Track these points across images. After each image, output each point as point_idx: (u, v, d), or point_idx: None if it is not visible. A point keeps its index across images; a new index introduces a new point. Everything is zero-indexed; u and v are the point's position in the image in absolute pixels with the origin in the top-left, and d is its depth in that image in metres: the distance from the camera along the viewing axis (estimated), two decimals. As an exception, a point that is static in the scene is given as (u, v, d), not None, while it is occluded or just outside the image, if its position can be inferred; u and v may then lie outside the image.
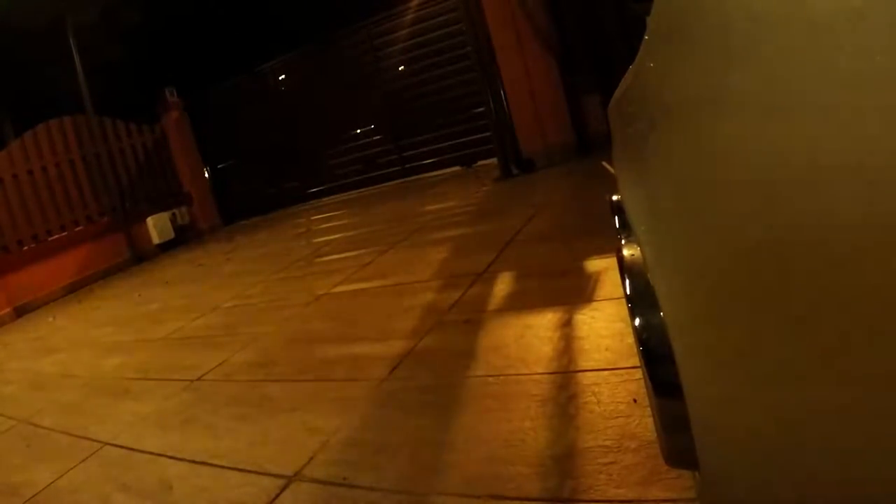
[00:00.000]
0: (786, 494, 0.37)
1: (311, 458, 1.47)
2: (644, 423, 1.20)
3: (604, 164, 3.59)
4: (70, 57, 6.95)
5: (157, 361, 2.81)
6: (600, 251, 2.33)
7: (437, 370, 1.79)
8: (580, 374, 1.51)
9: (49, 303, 6.11)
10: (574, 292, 2.05)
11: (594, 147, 5.13)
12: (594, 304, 1.91)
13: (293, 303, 3.11)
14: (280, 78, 8.09)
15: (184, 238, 7.91)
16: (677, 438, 0.51)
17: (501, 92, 5.44)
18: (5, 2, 6.41)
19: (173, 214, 7.86)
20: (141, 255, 7.33)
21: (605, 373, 1.47)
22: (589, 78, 5.18)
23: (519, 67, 5.33)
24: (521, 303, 2.16)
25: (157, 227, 7.56)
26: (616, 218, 1.03)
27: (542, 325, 1.86)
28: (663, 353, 0.52)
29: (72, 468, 1.81)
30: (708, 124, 0.40)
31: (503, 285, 2.42)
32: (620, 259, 0.77)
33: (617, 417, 1.26)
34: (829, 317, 0.28)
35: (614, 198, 1.08)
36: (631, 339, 1.49)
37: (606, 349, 1.58)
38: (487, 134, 5.82)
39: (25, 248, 6.33)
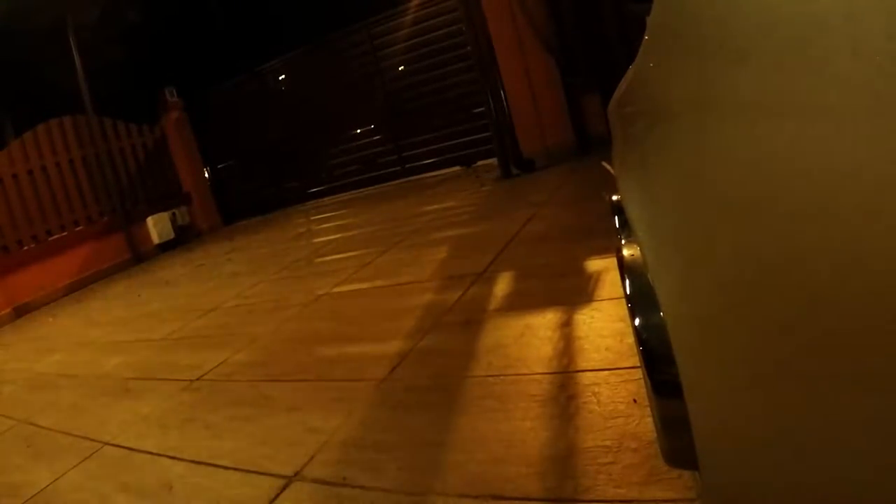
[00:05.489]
0: (785, 495, 0.37)
1: (311, 458, 1.47)
2: (644, 423, 1.20)
3: (604, 164, 3.58)
4: (70, 57, 6.95)
5: (157, 361, 2.81)
6: (600, 251, 2.33)
7: (437, 370, 1.79)
8: (580, 374, 1.51)
9: (49, 303, 6.11)
10: (574, 292, 2.05)
11: (594, 147, 5.13)
12: (594, 304, 1.91)
13: (293, 303, 3.12)
14: (280, 78, 8.09)
15: (184, 238, 7.91)
16: (677, 438, 0.51)
17: (501, 92, 5.43)
18: (5, 2, 6.41)
19: (173, 214, 7.86)
20: (141, 255, 7.33)
21: (605, 373, 1.47)
22: (589, 78, 5.18)
23: (519, 67, 5.33)
24: (520, 303, 2.16)
25: (157, 227, 7.56)
26: (616, 218, 1.03)
27: (541, 326, 1.86)
28: (663, 353, 0.52)
29: (72, 468, 1.81)
30: (708, 124, 0.40)
31: (503, 285, 2.42)
32: (620, 259, 0.77)
33: (617, 417, 1.26)
34: (829, 317, 0.28)
35: (614, 198, 1.08)
36: (631, 339, 1.49)
37: (606, 349, 1.58)
38: (487, 134, 5.82)
39: (25, 248, 6.33)
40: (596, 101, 5.07)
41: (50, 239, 6.59)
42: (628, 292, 0.66)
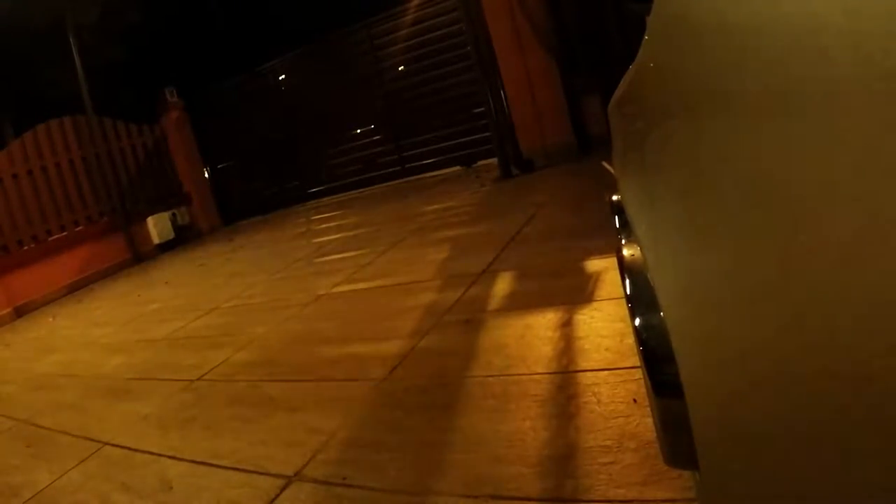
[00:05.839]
0: (786, 495, 0.37)
1: (311, 458, 1.47)
2: (644, 423, 1.20)
3: (604, 164, 3.59)
4: (70, 57, 6.95)
5: (157, 361, 2.81)
6: (600, 251, 2.33)
7: (437, 370, 1.79)
8: (580, 374, 1.51)
9: (49, 303, 6.11)
10: (574, 292, 2.05)
11: (594, 147, 5.14)
12: (594, 304, 1.91)
13: (293, 303, 3.12)
14: (280, 78, 8.09)
15: (184, 238, 7.91)
16: (677, 438, 0.51)
17: (501, 92, 5.44)
18: (5, 2, 6.41)
19: (173, 214, 7.86)
20: (141, 255, 7.32)
21: (605, 373, 1.47)
22: (589, 78, 5.18)
23: (519, 67, 5.32)
24: (520, 303, 2.16)
25: (157, 227, 7.56)
26: (616, 218, 1.03)
27: (542, 325, 1.86)
28: (663, 353, 0.52)
29: (72, 468, 1.81)
30: (708, 124, 0.40)
31: (503, 285, 2.42)
32: (620, 259, 0.76)
33: (617, 417, 1.26)
34: (829, 316, 0.28)
35: (614, 198, 1.08)
36: (631, 339, 1.49)
37: (606, 349, 1.58)
38: (487, 134, 5.82)
39: (25, 248, 6.33)
40: (596, 101, 5.07)
41: (50, 239, 6.59)
42: (628, 292, 0.66)
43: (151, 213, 7.59)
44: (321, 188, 8.18)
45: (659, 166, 0.56)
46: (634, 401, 1.30)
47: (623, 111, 0.92)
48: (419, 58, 6.72)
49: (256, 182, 8.70)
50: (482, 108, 5.72)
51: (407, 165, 7.25)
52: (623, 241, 0.82)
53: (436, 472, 1.27)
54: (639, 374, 1.31)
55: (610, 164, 1.41)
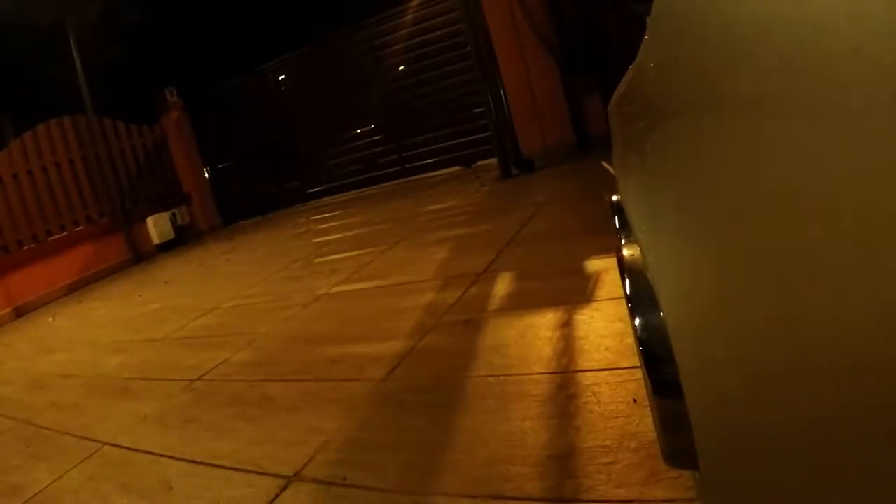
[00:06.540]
0: (786, 495, 0.37)
1: (311, 458, 1.47)
2: (644, 423, 1.20)
3: (604, 164, 3.59)
4: (70, 57, 6.95)
5: (157, 361, 2.81)
6: (600, 251, 2.33)
7: (437, 370, 1.79)
8: (580, 374, 1.51)
9: (49, 303, 6.11)
10: (574, 292, 2.05)
11: (594, 147, 5.13)
12: (594, 304, 1.91)
13: (293, 303, 3.12)
14: (280, 78, 8.09)
15: (184, 238, 7.91)
16: (677, 438, 0.51)
17: (501, 92, 5.43)
18: (5, 2, 6.41)
19: (173, 214, 7.86)
20: (141, 255, 7.33)
21: (605, 373, 1.47)
22: (589, 78, 5.18)
23: (519, 67, 5.33)
24: (521, 303, 2.16)
25: (156, 227, 7.56)
26: (616, 218, 1.03)
27: (542, 325, 1.86)
28: (663, 353, 0.52)
29: (72, 468, 1.81)
30: (708, 124, 0.40)
31: (503, 285, 2.42)
32: (620, 259, 0.77)
33: (617, 417, 1.26)
34: (829, 316, 0.28)
35: (614, 198, 1.08)
36: (631, 339, 1.49)
37: (606, 349, 1.58)
38: (487, 134, 5.82)
39: (25, 248, 6.33)
40: (596, 101, 5.07)
41: (50, 239, 6.59)
42: (628, 292, 0.66)
43: (151, 213, 7.60)
44: (321, 188, 8.18)
45: (659, 166, 0.56)
46: (634, 401, 1.30)
47: (623, 111, 0.91)
48: (419, 58, 6.72)
49: (256, 182, 8.70)
50: (482, 108, 5.72)
51: (407, 165, 7.25)
52: (623, 241, 0.82)
53: (436, 472, 1.27)
54: (639, 374, 1.31)
55: (610, 164, 1.41)
